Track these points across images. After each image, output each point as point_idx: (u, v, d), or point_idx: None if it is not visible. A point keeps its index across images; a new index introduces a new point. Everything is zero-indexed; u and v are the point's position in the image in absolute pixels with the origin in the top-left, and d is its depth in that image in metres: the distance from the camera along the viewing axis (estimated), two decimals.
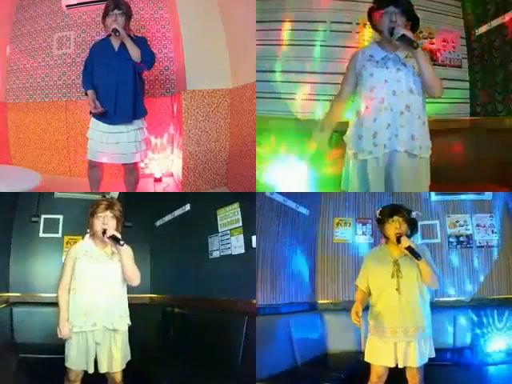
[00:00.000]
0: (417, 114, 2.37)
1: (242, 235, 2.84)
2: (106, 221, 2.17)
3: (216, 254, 3.12)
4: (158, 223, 4.12)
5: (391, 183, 2.41)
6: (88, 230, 2.27)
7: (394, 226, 2.14)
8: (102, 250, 2.23)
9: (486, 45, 3.97)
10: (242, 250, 2.82)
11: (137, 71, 3.24)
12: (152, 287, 4.05)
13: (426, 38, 4.24)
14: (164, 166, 4.73)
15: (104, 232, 2.14)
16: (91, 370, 2.13)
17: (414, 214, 2.21)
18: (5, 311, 3.17)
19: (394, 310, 2.09)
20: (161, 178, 4.65)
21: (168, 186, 4.53)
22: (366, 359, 2.18)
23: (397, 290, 2.09)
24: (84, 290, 2.15)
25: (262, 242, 2.81)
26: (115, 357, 2.17)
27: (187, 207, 3.60)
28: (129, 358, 2.30)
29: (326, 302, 3.60)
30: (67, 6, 4.47)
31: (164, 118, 4.70)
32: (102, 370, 2.14)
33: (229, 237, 2.97)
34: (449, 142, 3.79)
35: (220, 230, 3.08)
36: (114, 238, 2.12)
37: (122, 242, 2.12)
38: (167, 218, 3.95)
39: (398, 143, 2.36)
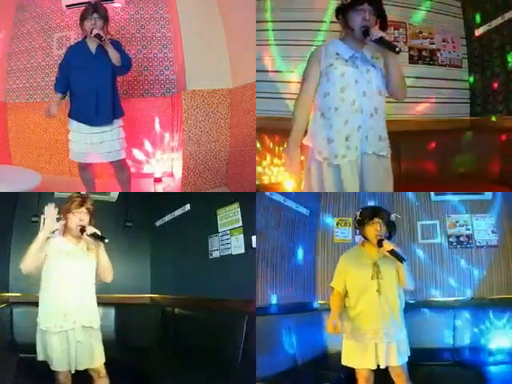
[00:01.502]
0: (383, 116, 2.32)
1: (241, 235, 2.84)
2: (83, 217, 2.16)
3: (216, 254, 3.11)
4: (158, 223, 4.12)
5: (363, 186, 2.36)
6: (58, 227, 2.21)
7: (375, 227, 2.14)
8: (77, 246, 2.19)
9: (485, 45, 3.97)
10: (242, 250, 2.82)
11: (114, 73, 3.26)
12: (152, 287, 4.06)
13: (426, 38, 4.24)
14: (164, 166, 4.72)
15: (82, 230, 2.12)
16: (73, 370, 2.10)
17: (393, 216, 2.22)
18: (5, 311, 3.17)
19: (374, 311, 2.09)
20: (161, 178, 4.65)
21: (168, 186, 4.52)
22: (345, 363, 2.18)
23: (377, 291, 2.10)
24: (60, 289, 2.11)
25: (261, 242, 2.81)
26: (96, 352, 2.16)
27: (187, 207, 3.60)
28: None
29: (326, 302, 3.59)
30: (67, 6, 4.47)
31: (164, 118, 4.70)
32: (83, 367, 2.12)
33: (229, 237, 2.96)
34: (449, 142, 3.80)
35: (220, 230, 3.07)
36: (95, 236, 2.12)
37: (106, 240, 2.12)
38: (167, 218, 3.95)
39: (367, 146, 2.30)
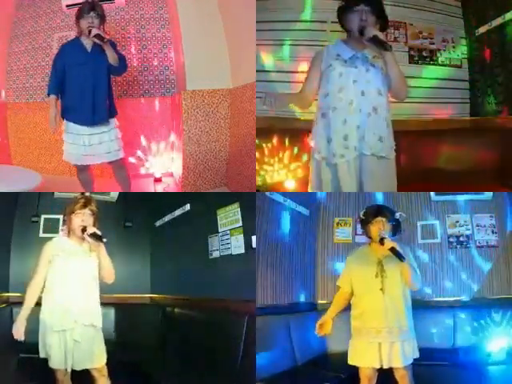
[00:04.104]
0: (383, 116, 2.32)
1: (242, 235, 2.83)
2: (85, 218, 2.18)
3: (216, 254, 3.11)
4: (158, 223, 4.12)
5: (362, 186, 2.37)
6: (62, 228, 2.27)
7: (378, 226, 2.15)
8: (80, 246, 2.22)
9: (485, 45, 3.98)
10: (242, 250, 2.81)
11: (109, 73, 3.24)
12: (152, 287, 4.06)
13: (426, 38, 4.25)
14: (164, 166, 4.73)
15: (84, 230, 2.14)
16: (70, 369, 2.11)
17: (397, 214, 2.22)
18: (5, 311, 3.17)
19: (378, 310, 2.09)
20: (161, 178, 4.65)
21: (168, 186, 4.53)
22: (351, 362, 2.17)
23: (381, 289, 2.09)
24: (63, 288, 2.14)
25: (262, 242, 2.81)
26: (96, 352, 2.17)
27: (187, 207, 3.60)
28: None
29: (326, 302, 3.59)
30: (67, 5, 4.47)
31: (164, 118, 4.71)
32: (82, 367, 2.13)
33: (229, 237, 2.96)
34: (449, 142, 3.80)
35: (220, 230, 3.07)
36: (95, 236, 2.13)
37: (104, 240, 2.13)
38: (167, 218, 3.95)
39: (365, 146, 2.31)
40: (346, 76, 2.29)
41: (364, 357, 2.12)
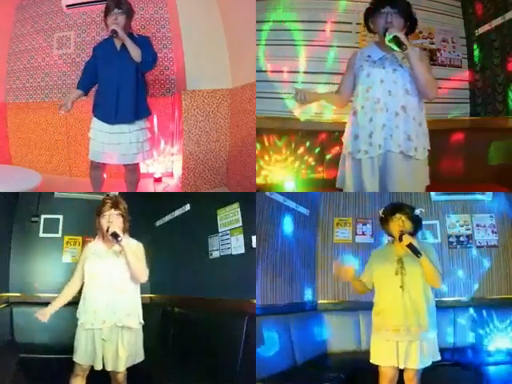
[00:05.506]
0: (412, 115, 2.34)
1: (242, 235, 2.84)
2: (112, 219, 2.21)
3: (216, 254, 3.11)
4: (158, 223, 4.12)
5: (386, 184, 2.40)
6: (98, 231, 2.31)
7: (397, 223, 2.15)
8: (110, 248, 2.26)
9: (485, 45, 3.98)
10: (242, 250, 2.81)
11: (139, 71, 3.22)
12: (152, 287, 4.05)
13: (426, 38, 4.24)
14: (164, 166, 4.72)
15: (107, 230, 2.18)
16: (99, 367, 2.16)
17: (417, 211, 2.21)
18: (5, 311, 3.18)
19: (397, 307, 2.08)
20: (161, 177, 4.64)
21: (168, 186, 4.52)
22: (373, 361, 2.15)
23: (401, 287, 2.08)
24: (93, 289, 2.20)
25: (262, 242, 2.81)
26: (120, 356, 2.18)
27: (187, 207, 3.60)
28: (139, 358, 2.31)
29: (326, 301, 3.60)
30: (67, 5, 4.47)
31: (164, 118, 4.70)
32: (108, 367, 2.18)
33: (229, 237, 2.96)
34: (449, 142, 3.80)
35: (220, 230, 3.07)
36: (113, 235, 2.15)
37: (119, 238, 2.14)
38: (167, 218, 3.95)
39: (392, 144, 2.34)
40: (374, 76, 2.34)
41: (383, 355, 2.10)
